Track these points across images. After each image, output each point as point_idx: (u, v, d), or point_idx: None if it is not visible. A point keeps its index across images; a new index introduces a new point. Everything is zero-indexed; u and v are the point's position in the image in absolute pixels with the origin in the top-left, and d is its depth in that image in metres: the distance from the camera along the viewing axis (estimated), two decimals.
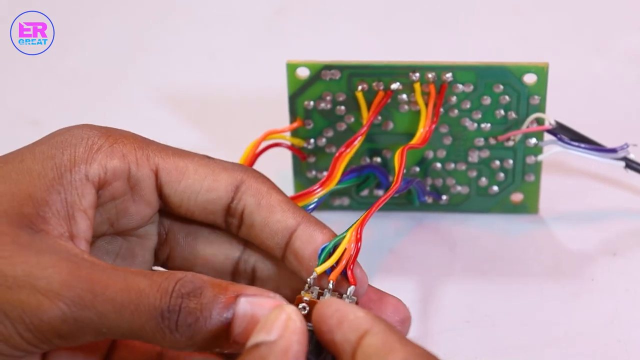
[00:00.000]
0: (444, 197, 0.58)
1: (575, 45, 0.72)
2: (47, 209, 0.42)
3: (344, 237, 0.45)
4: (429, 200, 0.59)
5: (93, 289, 0.40)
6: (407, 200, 0.58)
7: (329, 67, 0.55)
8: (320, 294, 0.44)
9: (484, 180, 0.58)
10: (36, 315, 0.39)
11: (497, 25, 0.76)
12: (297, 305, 0.43)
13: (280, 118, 0.58)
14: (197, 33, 0.76)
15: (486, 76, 0.54)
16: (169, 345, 0.41)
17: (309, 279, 0.44)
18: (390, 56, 0.56)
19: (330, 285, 0.44)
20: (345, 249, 0.44)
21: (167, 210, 0.46)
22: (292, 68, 0.55)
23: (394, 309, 0.45)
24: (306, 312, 0.42)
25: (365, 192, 0.58)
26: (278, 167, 0.59)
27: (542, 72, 0.54)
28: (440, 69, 0.54)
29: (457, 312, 0.51)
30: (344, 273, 0.44)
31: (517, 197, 0.58)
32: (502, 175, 0.57)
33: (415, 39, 0.73)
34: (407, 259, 0.56)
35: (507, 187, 0.58)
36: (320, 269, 0.44)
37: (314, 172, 0.58)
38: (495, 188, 0.58)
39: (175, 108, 0.68)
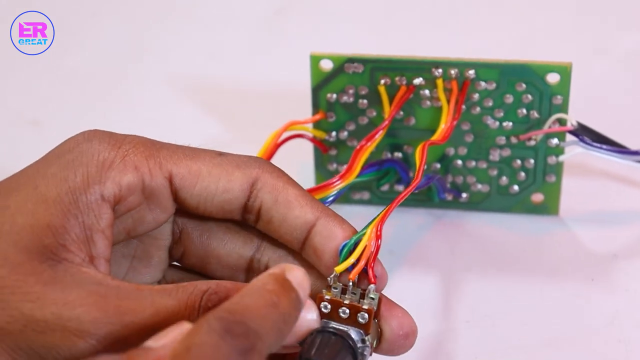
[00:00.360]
0: (464, 195, 0.58)
1: (577, 46, 0.73)
2: (67, 236, 0.41)
3: (364, 233, 0.44)
4: (449, 197, 0.59)
5: (123, 321, 0.40)
6: (427, 197, 0.59)
7: (352, 60, 0.55)
8: (344, 290, 0.44)
9: (504, 179, 0.58)
10: (71, 355, 0.39)
11: (496, 26, 0.76)
12: (318, 304, 0.43)
13: (300, 110, 0.58)
14: (197, 33, 0.77)
15: (509, 74, 0.54)
16: None
17: (329, 278, 0.44)
18: (396, 53, 0.56)
19: (351, 284, 0.43)
20: (366, 246, 0.44)
21: (185, 211, 0.46)
22: (315, 60, 0.55)
23: (399, 323, 0.44)
24: (328, 310, 0.43)
25: (385, 187, 0.58)
26: (299, 158, 0.59)
27: (565, 71, 0.54)
28: (463, 65, 0.54)
29: (457, 312, 0.51)
30: (364, 271, 0.44)
31: (537, 197, 0.58)
32: (523, 174, 0.57)
33: (412, 37, 0.74)
34: (411, 257, 0.56)
35: (528, 187, 0.58)
36: (340, 268, 0.43)
37: (335, 165, 0.58)
38: (516, 187, 0.58)
39: (176, 107, 0.69)
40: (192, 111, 0.68)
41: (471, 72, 0.54)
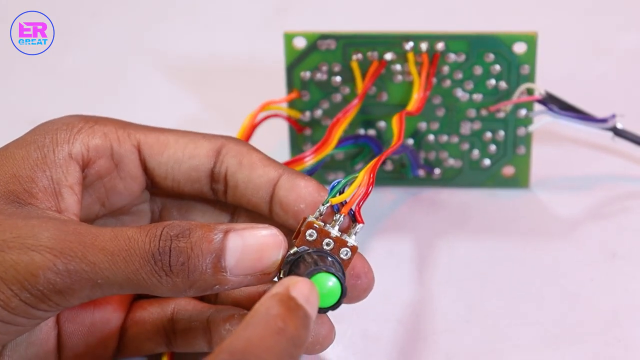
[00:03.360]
0: (437, 171, 0.59)
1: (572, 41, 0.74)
2: (34, 185, 0.43)
3: (356, 177, 0.45)
4: (422, 174, 0.60)
5: (82, 241, 0.40)
6: (400, 174, 0.59)
7: (324, 37, 0.56)
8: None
9: (476, 153, 0.59)
10: (28, 271, 0.40)
11: (495, 25, 0.77)
12: (305, 230, 0.43)
13: (276, 92, 0.59)
14: (197, 33, 0.78)
15: (477, 45, 0.56)
16: (169, 290, 0.41)
17: (321, 206, 0.43)
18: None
19: (342, 219, 0.43)
20: (357, 190, 0.44)
21: (155, 185, 0.47)
22: (289, 38, 0.56)
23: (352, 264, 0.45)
24: (313, 239, 0.43)
25: (359, 166, 0.59)
26: (275, 140, 0.60)
27: (531, 41, 0.56)
28: (433, 38, 0.56)
29: (457, 312, 0.51)
30: (351, 214, 0.44)
31: (508, 170, 0.59)
32: (493, 147, 0.59)
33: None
34: (410, 255, 0.55)
35: (499, 160, 0.59)
36: (335, 200, 0.44)
37: (309, 145, 0.59)
38: (487, 161, 0.59)
39: (176, 107, 0.69)
40: (192, 110, 0.68)
41: (441, 44, 0.56)
